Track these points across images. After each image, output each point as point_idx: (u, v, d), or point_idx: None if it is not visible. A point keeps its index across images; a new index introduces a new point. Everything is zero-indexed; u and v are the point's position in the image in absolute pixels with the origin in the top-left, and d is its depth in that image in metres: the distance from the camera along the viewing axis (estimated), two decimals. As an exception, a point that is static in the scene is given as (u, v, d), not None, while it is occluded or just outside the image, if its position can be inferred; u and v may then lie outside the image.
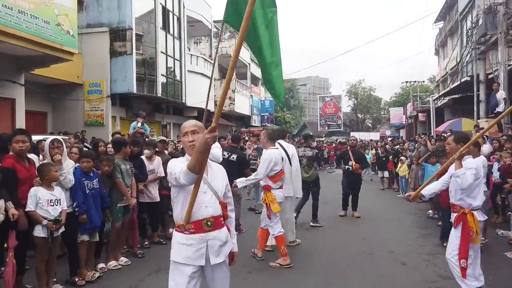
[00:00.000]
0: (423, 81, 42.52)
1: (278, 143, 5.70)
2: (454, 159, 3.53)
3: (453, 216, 3.62)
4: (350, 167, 7.81)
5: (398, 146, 13.71)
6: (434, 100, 19.92)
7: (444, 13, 30.76)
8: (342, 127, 50.95)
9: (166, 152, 6.81)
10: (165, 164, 5.49)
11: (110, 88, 14.50)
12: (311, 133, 46.39)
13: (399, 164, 10.72)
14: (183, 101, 18.19)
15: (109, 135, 14.10)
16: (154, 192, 5.58)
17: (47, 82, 14.00)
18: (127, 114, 15.97)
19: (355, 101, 56.79)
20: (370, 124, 57.50)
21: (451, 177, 3.62)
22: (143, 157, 5.55)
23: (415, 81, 40.62)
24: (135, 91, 14.54)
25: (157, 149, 5.99)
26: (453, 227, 3.60)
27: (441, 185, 3.87)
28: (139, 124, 8.45)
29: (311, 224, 7.15)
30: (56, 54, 9.87)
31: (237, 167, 6.35)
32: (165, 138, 6.60)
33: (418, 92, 40.10)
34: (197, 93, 19.43)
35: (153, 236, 5.87)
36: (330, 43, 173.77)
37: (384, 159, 12.36)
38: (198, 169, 2.12)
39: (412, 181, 9.63)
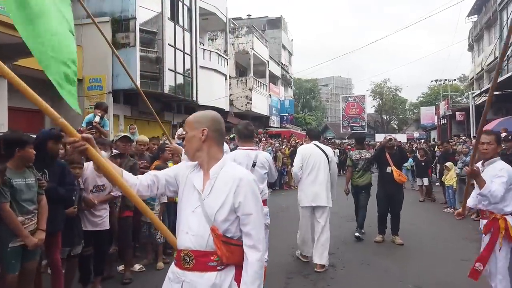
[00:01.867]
0: (454, 80, 39.80)
1: (314, 143, 5.03)
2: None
3: (483, 223, 3.25)
4: (390, 171, 5.90)
5: (438, 149, 11.77)
6: (473, 97, 17.73)
7: (480, 5, 28.35)
8: (366, 129, 48.57)
9: (143, 154, 5.26)
10: (132, 170, 3.82)
11: (111, 84, 13.19)
12: (333, 135, 44.13)
13: (445, 172, 8.74)
14: (194, 99, 16.73)
15: (111, 135, 12.82)
16: (99, 216, 3.79)
17: (45, 77, 12.81)
18: (132, 113, 14.65)
19: (380, 101, 54.20)
20: (395, 126, 54.82)
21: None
22: (88, 164, 3.73)
23: (445, 80, 38.01)
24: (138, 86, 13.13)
25: (116, 150, 4.28)
26: (483, 235, 3.21)
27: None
28: (97, 118, 6.39)
29: (356, 234, 6.25)
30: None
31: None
32: (129, 135, 4.79)
33: (449, 92, 37.49)
34: (210, 90, 18.00)
35: (96, 284, 3.93)
36: (353, 42, 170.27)
37: (423, 164, 10.44)
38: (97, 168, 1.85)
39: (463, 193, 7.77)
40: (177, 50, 15.18)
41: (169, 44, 14.46)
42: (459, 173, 7.94)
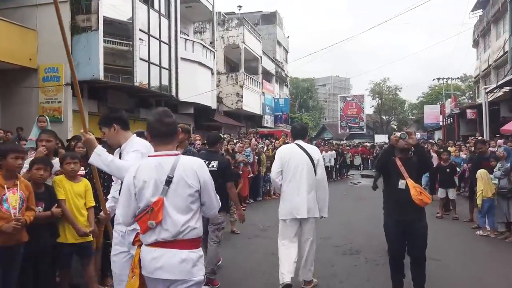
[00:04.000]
0: (457, 77, 38.00)
1: (296, 144, 4.27)
2: None
3: None
4: (403, 187, 3.72)
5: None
6: (486, 93, 15.89)
7: (485, -2, 26.65)
8: (365, 129, 46.88)
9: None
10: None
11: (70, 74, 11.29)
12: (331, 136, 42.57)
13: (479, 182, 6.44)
14: (173, 93, 14.86)
15: (69, 134, 10.96)
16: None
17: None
18: (99, 109, 12.74)
19: (379, 101, 52.44)
20: (395, 126, 53.03)
21: None
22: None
23: (448, 78, 36.24)
24: (101, 77, 11.28)
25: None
26: None
27: None
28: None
29: None
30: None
31: (221, 179, 4.36)
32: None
33: (451, 90, 35.76)
34: (193, 85, 16.14)
35: None
36: (353, 41, 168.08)
37: (448, 170, 8.29)
38: None
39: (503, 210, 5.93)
40: (151, 38, 13.31)
41: (141, 30, 12.59)
42: (498, 184, 6.06)
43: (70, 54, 3.16)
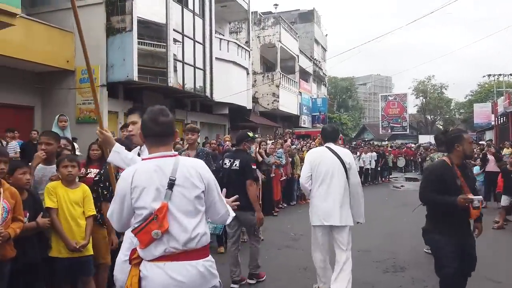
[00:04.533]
0: (511, 74, 35.29)
1: (327, 147, 4.04)
2: None
3: None
4: (477, 206, 3.06)
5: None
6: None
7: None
8: (408, 130, 44.79)
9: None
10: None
11: (106, 76, 11.38)
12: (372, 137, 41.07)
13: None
14: (208, 94, 14.66)
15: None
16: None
17: (35, 69, 11.28)
18: (134, 110, 12.76)
19: (424, 100, 50.01)
20: (441, 126, 50.38)
21: None
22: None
23: (500, 74, 33.75)
24: (135, 78, 11.25)
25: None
26: None
27: None
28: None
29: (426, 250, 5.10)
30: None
31: (241, 177, 4.45)
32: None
33: (504, 87, 33.25)
34: (228, 85, 15.88)
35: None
36: (394, 40, 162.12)
37: None
38: None
39: None
40: (185, 38, 13.19)
41: (175, 30, 12.47)
42: None
43: (86, 50, 2.87)
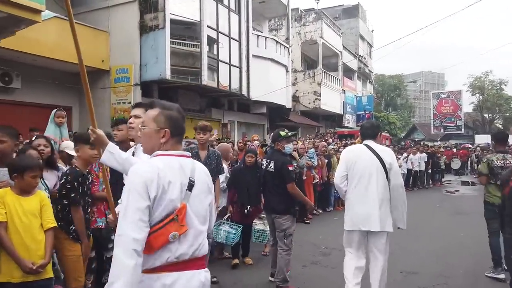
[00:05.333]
0: None
1: (365, 144, 3.66)
2: None
3: None
4: None
5: None
6: None
7: None
8: (463, 129, 41.74)
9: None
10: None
11: (139, 75, 11.22)
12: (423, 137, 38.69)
13: None
14: (244, 92, 14.16)
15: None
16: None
17: (72, 70, 11.34)
18: (169, 109, 12.54)
19: (480, 97, 46.38)
20: (500, 126, 46.52)
21: None
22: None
23: None
24: (168, 76, 10.98)
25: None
26: None
27: None
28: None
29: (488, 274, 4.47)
30: (20, 14, 6.66)
31: (277, 180, 4.30)
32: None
33: None
34: (266, 84, 15.30)
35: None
36: (446, 38, 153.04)
37: None
38: None
39: None
40: (220, 35, 12.77)
41: (209, 27, 12.08)
42: None
43: (77, 40, 2.39)
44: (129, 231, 1.59)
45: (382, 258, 3.53)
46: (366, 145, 3.68)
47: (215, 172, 4.13)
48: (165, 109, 1.84)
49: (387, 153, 3.64)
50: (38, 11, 6.83)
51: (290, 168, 4.27)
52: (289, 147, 4.44)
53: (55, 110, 4.97)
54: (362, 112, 26.81)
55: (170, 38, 11.05)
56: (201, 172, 1.89)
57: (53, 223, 2.73)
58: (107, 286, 1.55)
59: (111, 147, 2.35)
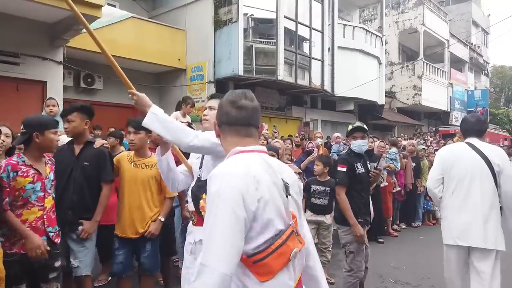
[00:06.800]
0: None
1: (468, 143, 3.14)
2: None
3: None
4: None
5: None
6: None
7: None
8: None
9: None
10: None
11: (213, 72, 10.89)
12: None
13: None
14: (327, 88, 12.96)
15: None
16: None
17: (153, 70, 11.58)
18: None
19: None
20: None
21: None
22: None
23: None
24: (241, 72, 10.42)
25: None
26: None
27: None
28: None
29: None
30: (81, 11, 6.68)
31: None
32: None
33: None
34: (354, 78, 13.87)
35: None
36: None
37: None
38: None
39: None
40: (299, 26, 11.81)
41: (286, 17, 11.21)
42: None
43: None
44: (217, 262, 1.26)
45: (493, 277, 2.86)
46: (468, 143, 3.12)
47: None
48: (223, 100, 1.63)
49: (496, 153, 3.05)
50: (98, 6, 6.77)
51: (341, 169, 3.50)
52: (356, 144, 3.56)
53: (46, 98, 4.71)
54: (474, 109, 23.15)
55: (244, 32, 10.50)
56: (288, 170, 1.59)
57: None
58: None
59: (155, 108, 2.13)
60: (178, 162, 2.54)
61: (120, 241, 3.09)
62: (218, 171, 1.37)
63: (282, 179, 1.46)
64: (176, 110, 6.38)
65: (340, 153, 5.90)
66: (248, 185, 1.32)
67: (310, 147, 5.58)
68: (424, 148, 7.56)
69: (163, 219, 3.16)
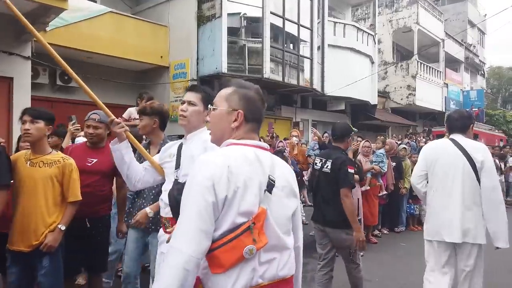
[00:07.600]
0: None
1: (451, 139, 3.18)
2: None
3: None
4: None
5: None
6: None
7: None
8: None
9: None
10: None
11: (196, 70, 10.51)
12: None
13: None
14: (316, 87, 12.59)
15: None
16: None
17: (136, 68, 11.17)
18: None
19: None
20: None
21: None
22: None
23: None
24: (224, 70, 10.05)
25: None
26: None
27: None
28: None
29: None
30: (48, 2, 6.30)
31: (332, 183, 3.52)
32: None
33: None
34: (345, 77, 13.52)
35: None
36: None
37: None
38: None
39: None
40: (287, 22, 11.44)
41: (272, 13, 10.84)
42: None
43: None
44: (183, 243, 1.30)
45: (474, 270, 2.96)
46: (452, 139, 3.17)
47: None
48: (241, 88, 1.57)
49: (478, 149, 3.07)
50: (64, -1, 6.39)
51: (351, 171, 3.44)
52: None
53: None
54: (469, 109, 22.84)
55: (228, 28, 10.12)
56: (283, 169, 1.57)
57: None
58: None
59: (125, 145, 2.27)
60: None
61: (12, 256, 2.64)
62: (200, 159, 1.43)
63: (269, 176, 1.44)
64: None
65: (315, 151, 5.57)
66: (222, 174, 1.34)
67: (281, 146, 5.21)
68: (405, 148, 7.15)
69: (63, 228, 2.69)
